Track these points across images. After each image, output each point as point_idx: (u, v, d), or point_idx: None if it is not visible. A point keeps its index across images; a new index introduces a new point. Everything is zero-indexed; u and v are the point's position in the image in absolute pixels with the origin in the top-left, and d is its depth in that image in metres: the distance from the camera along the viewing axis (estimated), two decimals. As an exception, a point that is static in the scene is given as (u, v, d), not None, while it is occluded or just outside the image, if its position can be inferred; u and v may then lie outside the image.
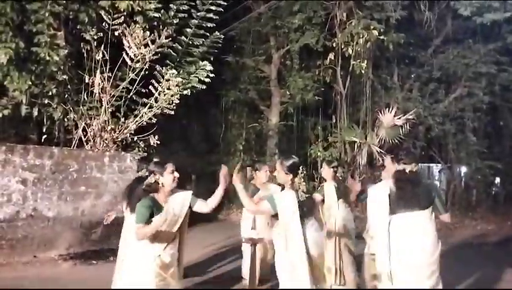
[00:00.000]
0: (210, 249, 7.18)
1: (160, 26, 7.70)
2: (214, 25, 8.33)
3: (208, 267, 6.09)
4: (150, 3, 7.40)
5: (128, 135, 7.58)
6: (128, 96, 7.59)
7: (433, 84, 13.64)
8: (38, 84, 6.87)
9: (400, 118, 10.73)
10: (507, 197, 15.48)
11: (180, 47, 8.15)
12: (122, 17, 7.18)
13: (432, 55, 13.67)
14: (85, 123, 7.27)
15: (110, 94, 7.35)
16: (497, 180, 16.45)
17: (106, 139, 7.34)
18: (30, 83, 6.63)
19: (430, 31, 12.63)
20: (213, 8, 8.14)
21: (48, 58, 6.63)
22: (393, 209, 3.44)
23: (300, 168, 3.35)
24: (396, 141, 10.93)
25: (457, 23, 12.96)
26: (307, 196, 3.33)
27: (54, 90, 6.97)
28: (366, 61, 10.82)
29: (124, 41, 7.23)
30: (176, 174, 3.20)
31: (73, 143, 7.25)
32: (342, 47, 10.94)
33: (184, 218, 3.23)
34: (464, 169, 15.51)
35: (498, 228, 11.11)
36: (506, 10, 10.94)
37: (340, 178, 5.47)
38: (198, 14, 8.13)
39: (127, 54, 7.29)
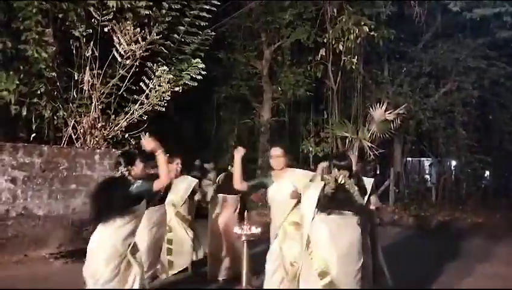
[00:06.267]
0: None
1: (151, 23, 7.65)
2: (207, 23, 8.27)
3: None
4: (140, 0, 7.33)
5: (118, 132, 7.53)
6: (119, 93, 7.54)
7: (424, 79, 13.77)
8: (27, 82, 6.79)
9: (390, 113, 10.80)
10: (496, 190, 15.70)
11: (171, 44, 8.09)
12: (112, 14, 7.12)
13: (422, 50, 13.78)
14: (75, 121, 7.21)
15: (100, 91, 7.30)
16: (487, 173, 16.68)
17: (96, 137, 7.29)
18: (18, 82, 6.53)
19: (420, 27, 12.68)
20: (207, 7, 8.06)
21: (36, 55, 6.55)
22: None
23: None
24: (387, 135, 11.01)
25: (447, 18, 13.06)
26: None
27: (43, 88, 6.88)
28: (356, 56, 10.86)
29: (114, 38, 7.17)
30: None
31: (63, 141, 7.18)
32: (333, 43, 10.95)
33: None
34: (454, 163, 15.70)
35: (487, 220, 11.24)
36: (495, 5, 11.05)
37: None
38: (191, 12, 8.03)
39: (117, 51, 7.23)
